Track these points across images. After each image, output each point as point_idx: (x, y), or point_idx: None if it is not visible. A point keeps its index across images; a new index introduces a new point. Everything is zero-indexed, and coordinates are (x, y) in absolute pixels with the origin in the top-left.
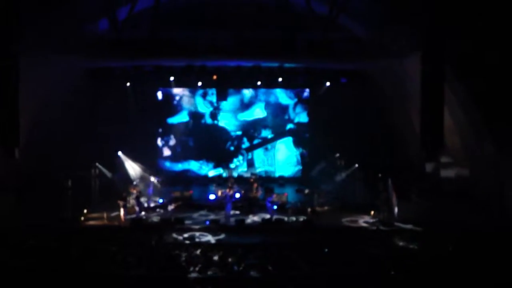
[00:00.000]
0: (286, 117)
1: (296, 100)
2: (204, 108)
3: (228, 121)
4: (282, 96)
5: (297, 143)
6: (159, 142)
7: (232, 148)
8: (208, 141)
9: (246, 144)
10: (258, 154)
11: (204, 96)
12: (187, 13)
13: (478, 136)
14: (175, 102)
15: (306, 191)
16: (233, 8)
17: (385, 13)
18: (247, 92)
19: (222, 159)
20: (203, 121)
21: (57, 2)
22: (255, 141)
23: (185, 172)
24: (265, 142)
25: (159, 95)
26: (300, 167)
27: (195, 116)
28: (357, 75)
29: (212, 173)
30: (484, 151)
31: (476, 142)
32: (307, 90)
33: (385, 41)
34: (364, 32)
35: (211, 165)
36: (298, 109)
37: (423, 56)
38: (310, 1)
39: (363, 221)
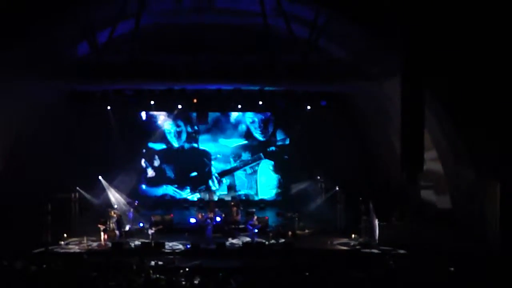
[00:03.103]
0: (267, 140)
1: (276, 123)
2: (184, 131)
3: (208, 144)
4: (262, 119)
5: (277, 166)
6: (143, 163)
7: (212, 172)
8: (188, 165)
9: (226, 167)
10: (239, 177)
11: (184, 119)
12: (167, 37)
13: (459, 159)
14: (155, 126)
15: (288, 214)
16: (212, 31)
17: (365, 36)
18: (228, 116)
19: (202, 183)
20: (183, 145)
21: (37, 26)
22: (235, 164)
23: (165, 195)
24: (245, 164)
25: (143, 115)
26: (280, 190)
27: (175, 140)
28: (337, 97)
29: (192, 196)
30: (465, 174)
31: (457, 165)
32: (288, 113)
33: (365, 64)
34: (344, 54)
35: (191, 188)
36: (279, 132)
37: (403, 79)
38: (290, 24)
39: (344, 244)
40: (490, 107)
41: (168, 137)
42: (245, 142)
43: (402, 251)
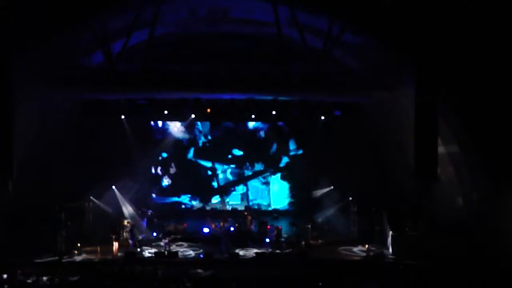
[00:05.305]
0: (280, 150)
1: (290, 133)
2: (197, 141)
3: (221, 154)
4: (276, 129)
5: (291, 177)
6: (159, 171)
7: (225, 181)
8: (200, 175)
9: (239, 176)
10: (252, 187)
11: (197, 129)
12: (181, 46)
13: (473, 168)
14: (169, 135)
15: (301, 224)
16: (226, 41)
17: (379, 46)
18: (241, 126)
19: (215, 193)
20: (196, 154)
21: (52, 35)
22: (248, 174)
23: (178, 204)
24: (257, 175)
25: (159, 124)
26: (293, 200)
27: (189, 149)
28: (351, 107)
29: (205, 206)
30: (478, 184)
31: (470, 175)
32: (301, 123)
33: (379, 74)
34: (357, 64)
35: (204, 198)
36: (292, 142)
37: (417, 88)
38: (304, 34)
39: (357, 254)
40: (505, 117)
41: (181, 146)
42: (258, 152)
43: (415, 261)
